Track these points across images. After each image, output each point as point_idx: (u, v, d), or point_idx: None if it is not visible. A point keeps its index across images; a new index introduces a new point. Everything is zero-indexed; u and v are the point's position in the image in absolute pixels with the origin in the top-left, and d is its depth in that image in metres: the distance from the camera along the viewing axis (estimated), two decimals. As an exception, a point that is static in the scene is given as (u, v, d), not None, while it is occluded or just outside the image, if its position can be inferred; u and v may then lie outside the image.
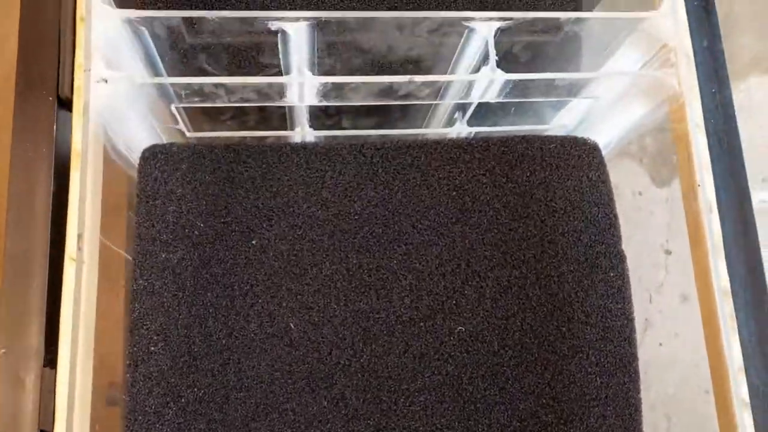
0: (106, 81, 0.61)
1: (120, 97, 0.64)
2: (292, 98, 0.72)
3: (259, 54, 0.74)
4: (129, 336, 0.65)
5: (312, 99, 0.72)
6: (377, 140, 0.75)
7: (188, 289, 0.67)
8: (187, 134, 0.84)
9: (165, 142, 0.75)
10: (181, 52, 0.72)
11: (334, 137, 0.87)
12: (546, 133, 0.90)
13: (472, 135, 0.91)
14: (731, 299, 0.61)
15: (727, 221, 0.64)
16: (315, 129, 0.84)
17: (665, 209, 1.40)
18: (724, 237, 0.63)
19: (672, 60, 0.69)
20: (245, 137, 0.89)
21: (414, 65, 0.80)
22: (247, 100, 0.71)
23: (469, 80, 0.72)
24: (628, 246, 0.71)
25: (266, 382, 0.65)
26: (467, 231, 0.72)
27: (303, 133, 0.83)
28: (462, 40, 0.72)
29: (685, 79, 0.68)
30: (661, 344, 1.33)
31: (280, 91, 0.70)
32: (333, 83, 0.69)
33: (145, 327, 0.65)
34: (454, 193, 0.73)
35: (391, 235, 0.71)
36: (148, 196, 0.68)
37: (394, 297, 0.69)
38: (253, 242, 0.68)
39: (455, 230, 0.71)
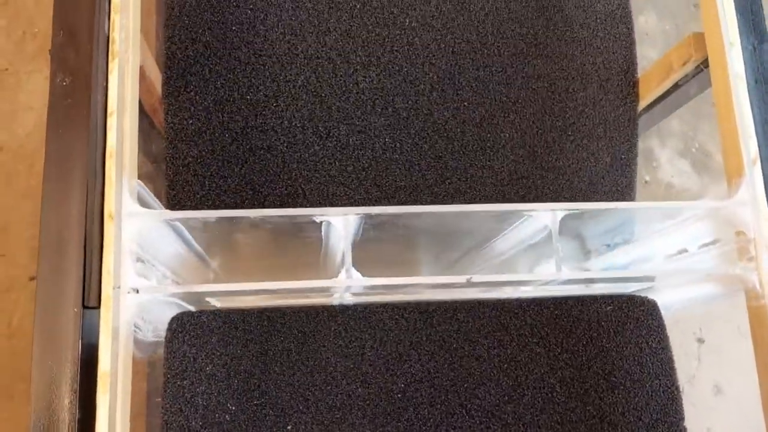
0: (137, 291, 0.56)
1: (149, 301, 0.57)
2: (336, 293, 0.65)
3: (300, 231, 0.67)
4: None
5: (358, 291, 0.64)
6: (420, 301, 0.68)
7: None
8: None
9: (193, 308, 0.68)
10: (218, 236, 0.69)
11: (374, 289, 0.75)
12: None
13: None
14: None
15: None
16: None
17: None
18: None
19: (751, 252, 0.63)
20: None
21: (466, 237, 0.76)
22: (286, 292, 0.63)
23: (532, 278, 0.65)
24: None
25: None
26: (521, 411, 0.66)
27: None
28: (516, 225, 0.67)
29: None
30: (693, 440, 1.29)
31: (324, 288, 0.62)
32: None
33: None
34: (506, 366, 0.67)
35: (438, 418, 0.64)
36: (176, 375, 0.63)
37: None
38: (288, 428, 0.63)
39: (508, 410, 0.65)
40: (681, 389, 1.36)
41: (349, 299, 0.70)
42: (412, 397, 0.65)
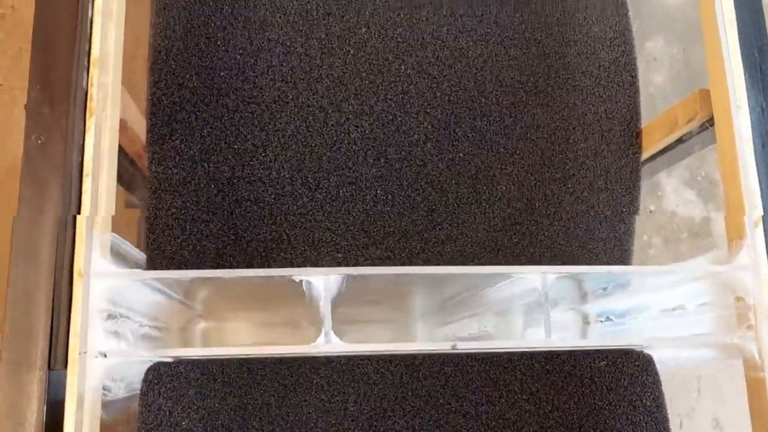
0: (105, 356, 0.54)
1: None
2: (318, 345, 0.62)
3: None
4: None
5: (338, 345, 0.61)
6: (406, 354, 0.66)
7: None
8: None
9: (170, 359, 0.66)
10: (198, 284, 0.66)
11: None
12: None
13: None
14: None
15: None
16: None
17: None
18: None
19: (750, 320, 0.60)
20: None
21: (459, 282, 0.71)
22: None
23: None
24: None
25: None
26: None
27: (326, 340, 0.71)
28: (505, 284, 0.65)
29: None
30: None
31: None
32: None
33: None
34: (494, 423, 0.64)
35: None
36: (151, 430, 0.61)
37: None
38: None
39: None
40: (680, 425, 1.33)
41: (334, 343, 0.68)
42: None
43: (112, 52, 0.61)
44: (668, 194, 1.59)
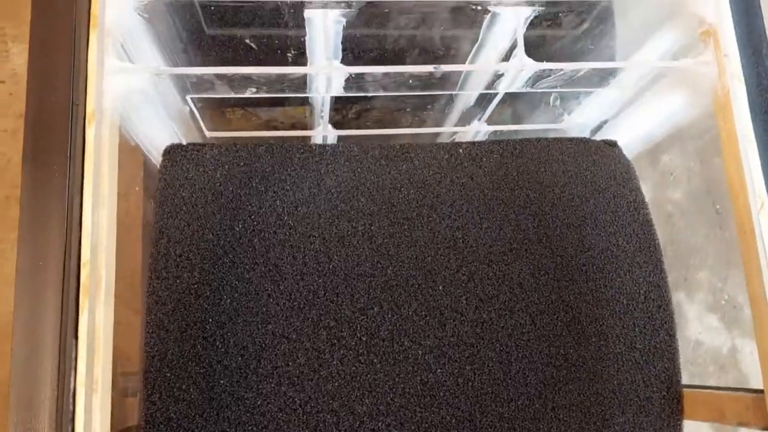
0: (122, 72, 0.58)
1: (135, 91, 0.62)
2: (317, 89, 0.70)
3: (281, 48, 0.71)
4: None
5: (338, 90, 0.70)
6: (384, 143, 0.76)
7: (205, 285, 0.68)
8: (207, 134, 0.85)
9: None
10: (199, 43, 0.71)
11: (352, 137, 0.91)
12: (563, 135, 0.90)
13: (488, 134, 0.94)
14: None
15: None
16: (335, 128, 0.85)
17: None
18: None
19: (712, 46, 0.62)
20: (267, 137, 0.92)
21: (436, 57, 0.79)
22: (270, 91, 0.68)
23: (496, 70, 0.68)
24: None
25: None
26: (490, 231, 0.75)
27: (324, 132, 0.83)
28: (483, 27, 0.69)
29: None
30: None
31: (304, 82, 0.67)
32: (357, 73, 0.64)
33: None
34: (474, 193, 0.75)
35: (394, 228, 0.72)
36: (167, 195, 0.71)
37: (402, 299, 0.70)
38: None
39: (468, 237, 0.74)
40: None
41: (333, 134, 0.82)
42: (376, 213, 0.74)
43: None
44: (691, 321, 1.51)
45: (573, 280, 0.74)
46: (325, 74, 0.62)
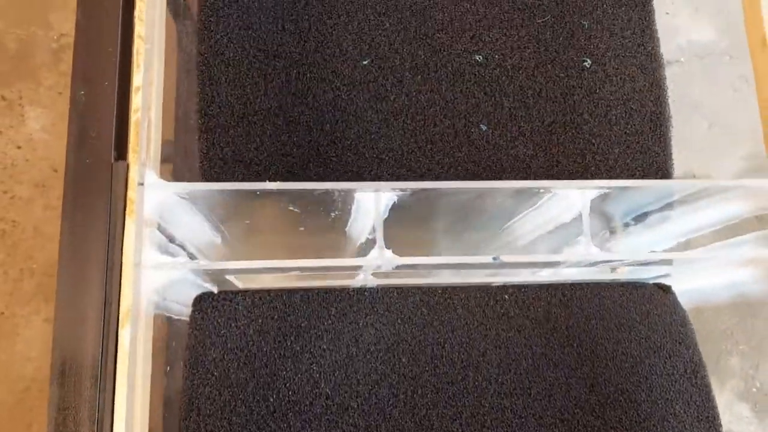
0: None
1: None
2: (360, 274, 0.70)
3: (325, 207, 0.68)
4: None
5: (384, 271, 0.68)
6: (435, 286, 0.73)
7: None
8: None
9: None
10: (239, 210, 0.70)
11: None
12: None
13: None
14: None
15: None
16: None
17: None
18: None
19: None
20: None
21: (492, 219, 0.78)
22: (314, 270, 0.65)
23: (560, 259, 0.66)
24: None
25: None
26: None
27: (365, 281, 0.78)
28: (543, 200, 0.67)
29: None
30: None
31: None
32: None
33: None
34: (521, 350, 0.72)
35: (438, 397, 0.68)
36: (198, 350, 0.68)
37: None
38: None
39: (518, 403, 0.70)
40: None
41: (371, 282, 0.74)
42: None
43: None
44: (721, 411, 1.45)
45: (599, 354, 0.71)
46: (376, 263, 0.58)
